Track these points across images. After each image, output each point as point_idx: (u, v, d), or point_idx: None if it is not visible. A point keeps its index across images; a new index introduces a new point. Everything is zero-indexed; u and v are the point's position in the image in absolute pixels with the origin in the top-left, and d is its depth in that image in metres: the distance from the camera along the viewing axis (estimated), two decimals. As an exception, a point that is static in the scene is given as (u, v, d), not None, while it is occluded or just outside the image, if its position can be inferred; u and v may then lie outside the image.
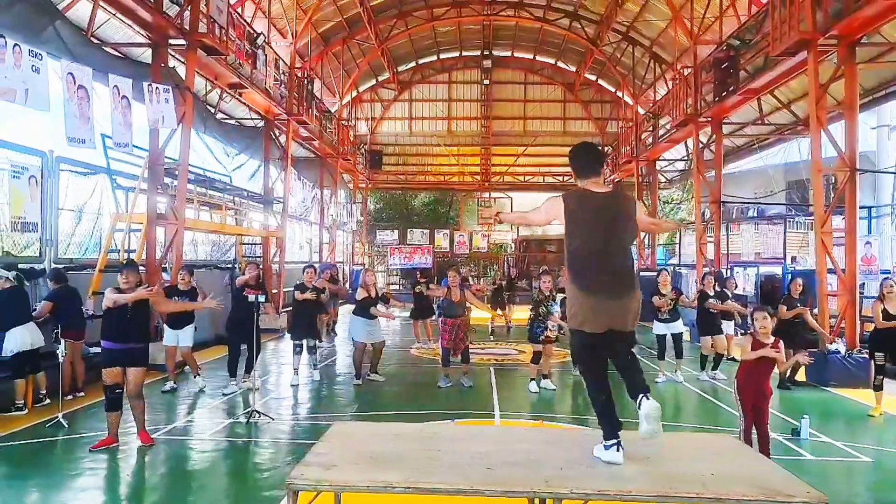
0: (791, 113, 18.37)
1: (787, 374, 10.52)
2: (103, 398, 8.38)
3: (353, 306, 11.11)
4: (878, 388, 8.66)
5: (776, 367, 6.42)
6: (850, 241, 11.45)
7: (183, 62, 13.28)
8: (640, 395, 3.90)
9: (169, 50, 11.78)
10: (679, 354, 10.94)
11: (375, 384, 10.27)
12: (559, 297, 9.83)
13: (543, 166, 31.68)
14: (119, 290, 6.54)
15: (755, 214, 27.25)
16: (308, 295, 10.16)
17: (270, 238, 18.17)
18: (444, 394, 9.71)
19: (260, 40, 14.65)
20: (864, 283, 12.89)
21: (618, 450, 3.89)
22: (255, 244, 19.44)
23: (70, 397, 8.53)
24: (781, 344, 6.34)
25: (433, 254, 30.70)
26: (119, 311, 6.42)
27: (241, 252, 17.67)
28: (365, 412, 8.51)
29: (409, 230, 32.14)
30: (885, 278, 9.21)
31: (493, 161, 31.20)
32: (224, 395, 9.37)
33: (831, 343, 11.11)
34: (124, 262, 9.09)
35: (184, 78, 12.19)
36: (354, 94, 29.57)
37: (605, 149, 29.86)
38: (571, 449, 4.31)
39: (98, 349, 9.51)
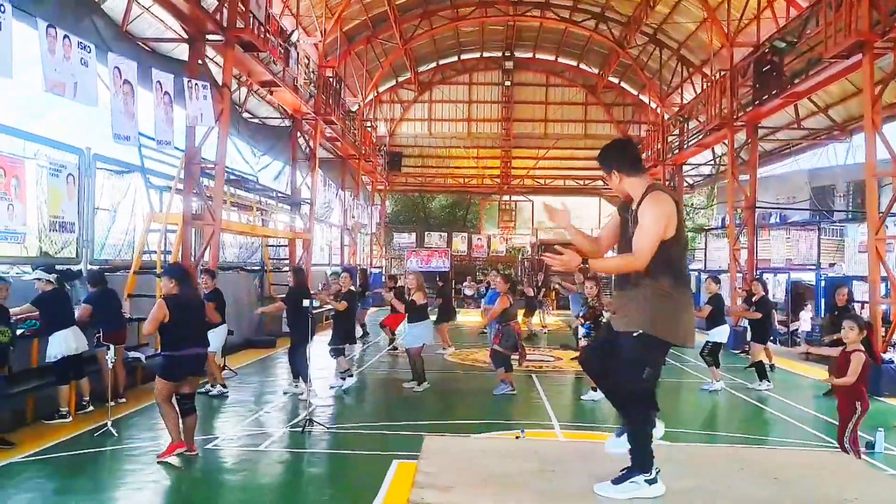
0: (827, 117, 18.03)
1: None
2: (146, 405, 8.19)
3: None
4: None
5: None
6: (903, 249, 11.15)
7: (212, 59, 13.05)
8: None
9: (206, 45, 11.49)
10: (707, 363, 10.59)
11: (416, 391, 9.88)
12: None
13: (564, 169, 31.36)
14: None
15: (777, 220, 26.92)
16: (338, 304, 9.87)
17: (296, 240, 17.87)
18: (492, 402, 9.37)
19: (294, 37, 14.37)
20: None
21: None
22: (279, 246, 19.15)
23: (112, 403, 8.21)
24: (854, 357, 5.89)
25: (451, 257, 30.42)
26: (191, 316, 6.24)
27: (267, 254, 17.38)
28: (417, 421, 8.17)
29: (426, 233, 31.84)
30: None
31: (513, 164, 30.86)
32: (284, 393, 9.41)
33: (885, 352, 10.78)
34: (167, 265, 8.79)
35: (214, 75, 11.92)
36: (374, 94, 29.28)
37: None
38: (696, 470, 4.00)
39: (136, 354, 9.34)
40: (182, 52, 14.24)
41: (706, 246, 24.41)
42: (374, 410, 9.06)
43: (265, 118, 19.15)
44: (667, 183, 24.07)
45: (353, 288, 10.93)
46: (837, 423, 6.15)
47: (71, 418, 7.67)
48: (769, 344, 12.51)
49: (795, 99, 15.15)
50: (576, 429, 8.00)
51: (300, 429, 7.43)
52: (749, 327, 11.85)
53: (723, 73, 17.32)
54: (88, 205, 9.94)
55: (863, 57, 11.16)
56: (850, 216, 21.54)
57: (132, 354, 9.31)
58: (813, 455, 5.18)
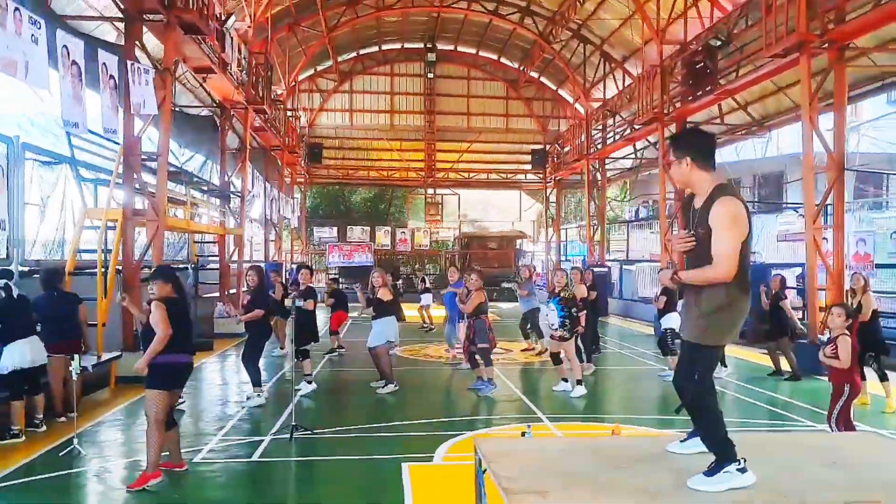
0: (747, 114, 19.02)
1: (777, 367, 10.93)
2: (101, 417, 7.53)
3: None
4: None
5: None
6: (838, 238, 11.84)
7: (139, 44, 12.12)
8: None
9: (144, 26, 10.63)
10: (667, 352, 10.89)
11: (380, 393, 9.49)
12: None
13: (488, 163, 31.61)
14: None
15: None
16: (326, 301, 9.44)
17: (225, 236, 16.97)
18: (469, 399, 9.20)
19: (231, 21, 13.55)
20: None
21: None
22: (205, 242, 18.18)
23: (63, 419, 7.47)
24: (842, 341, 6.14)
25: (374, 251, 29.99)
26: (185, 321, 5.62)
27: (195, 251, 16.42)
28: (403, 422, 7.90)
29: (348, 227, 31.17)
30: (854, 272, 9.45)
31: (437, 157, 30.68)
32: (248, 398, 8.73)
33: (822, 334, 11.47)
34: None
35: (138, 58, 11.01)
36: (294, 83, 28.30)
37: (546, 147, 30.12)
38: (760, 456, 4.01)
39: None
40: (103, 33, 13.21)
41: (628, 237, 25.31)
42: (350, 413, 8.65)
43: (184, 107, 18.07)
44: (591, 176, 24.69)
45: (311, 284, 10.53)
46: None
47: (23, 438, 6.87)
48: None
49: (727, 96, 15.87)
50: (564, 420, 7.96)
51: (287, 436, 6.99)
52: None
53: (653, 68, 17.86)
54: (18, 199, 9.00)
55: (800, 56, 11.75)
56: (756, 206, 22.90)
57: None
58: (849, 437, 5.34)
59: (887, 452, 4.26)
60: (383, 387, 9.47)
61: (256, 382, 8.73)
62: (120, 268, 10.32)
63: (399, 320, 13.60)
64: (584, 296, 11.00)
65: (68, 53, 7.54)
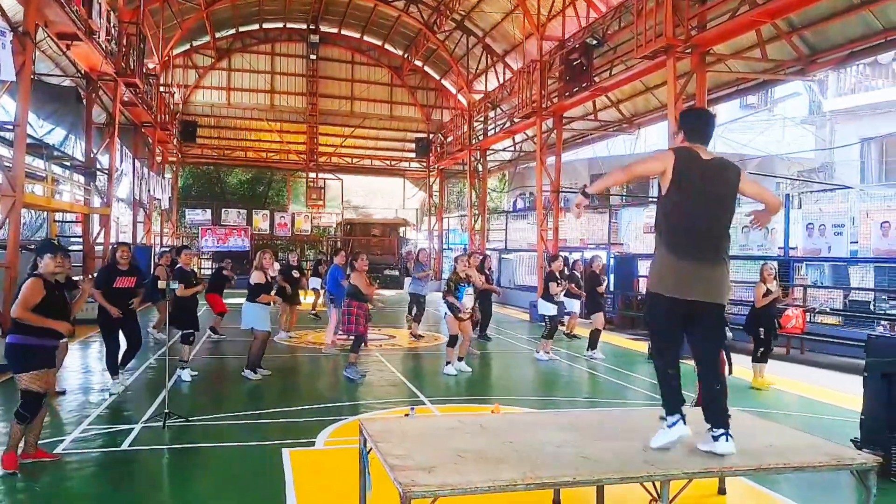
0: (618, 111, 20.11)
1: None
2: None
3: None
4: (760, 360, 9.49)
5: None
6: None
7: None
8: (721, 432, 3.89)
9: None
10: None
11: (265, 379, 9.30)
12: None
13: (371, 149, 31.42)
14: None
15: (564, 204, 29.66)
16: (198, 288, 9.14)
17: (90, 216, 15.89)
18: (352, 385, 9.19)
19: (100, -14, 12.62)
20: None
21: (684, 423, 4.01)
22: (66, 221, 16.97)
23: None
24: None
25: (251, 236, 29.11)
26: (59, 300, 5.31)
27: (55, 231, 15.30)
28: (282, 408, 7.82)
29: (223, 210, 29.97)
30: (764, 263, 10.27)
31: (319, 140, 30.08)
32: (111, 394, 8.12)
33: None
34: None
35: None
36: (166, 58, 26.77)
37: (429, 136, 30.39)
38: (630, 431, 4.37)
39: None
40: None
41: (507, 226, 26.08)
42: (228, 400, 8.40)
43: (44, 75, 16.69)
44: (473, 167, 25.20)
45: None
46: None
47: None
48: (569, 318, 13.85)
49: (601, 93, 16.70)
50: (446, 402, 8.18)
51: (160, 423, 6.72)
52: (582, 301, 13.18)
53: (533, 63, 18.48)
54: None
55: (667, 59, 12.61)
56: (625, 199, 24.33)
57: None
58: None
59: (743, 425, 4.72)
60: (254, 373, 9.27)
61: (113, 369, 8.33)
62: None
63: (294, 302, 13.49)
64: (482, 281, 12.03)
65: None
